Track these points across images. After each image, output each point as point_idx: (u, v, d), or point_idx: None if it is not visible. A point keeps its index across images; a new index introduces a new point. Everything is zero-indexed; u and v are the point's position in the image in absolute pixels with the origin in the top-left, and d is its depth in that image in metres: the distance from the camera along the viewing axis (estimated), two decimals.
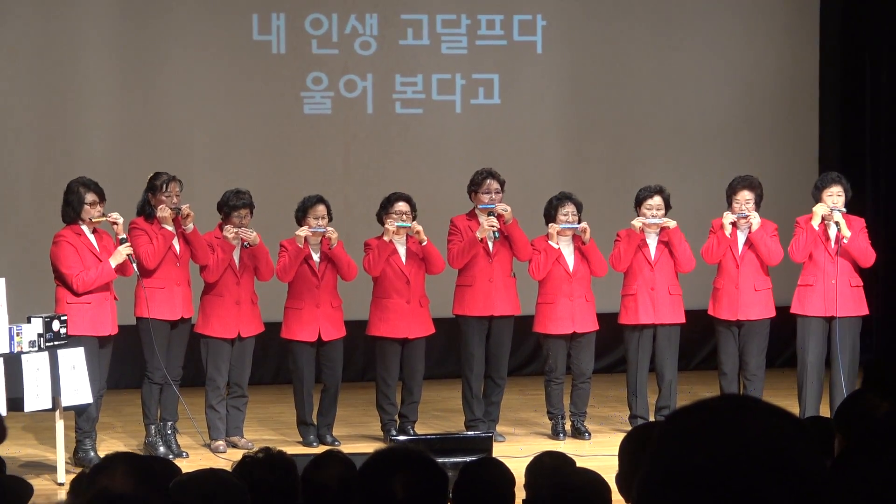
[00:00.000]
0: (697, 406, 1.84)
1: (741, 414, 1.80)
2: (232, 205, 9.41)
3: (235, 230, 9.34)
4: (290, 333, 9.59)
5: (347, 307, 9.81)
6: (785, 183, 12.48)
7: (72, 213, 8.89)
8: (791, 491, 1.74)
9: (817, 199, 9.65)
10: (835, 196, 9.58)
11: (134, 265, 8.97)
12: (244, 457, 4.24)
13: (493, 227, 9.62)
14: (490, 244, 9.75)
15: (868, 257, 9.65)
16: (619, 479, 3.74)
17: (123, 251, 8.89)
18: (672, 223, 9.72)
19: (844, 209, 9.59)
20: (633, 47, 12.81)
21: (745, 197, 9.72)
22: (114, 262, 8.86)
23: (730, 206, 9.76)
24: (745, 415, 1.80)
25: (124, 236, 8.94)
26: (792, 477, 1.75)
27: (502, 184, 9.84)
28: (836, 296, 9.51)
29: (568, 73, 12.75)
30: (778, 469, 1.74)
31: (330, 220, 9.56)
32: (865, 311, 9.71)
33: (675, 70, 12.87)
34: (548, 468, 4.85)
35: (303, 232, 9.45)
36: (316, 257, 9.57)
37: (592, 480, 4.25)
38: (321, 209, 9.52)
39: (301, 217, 9.54)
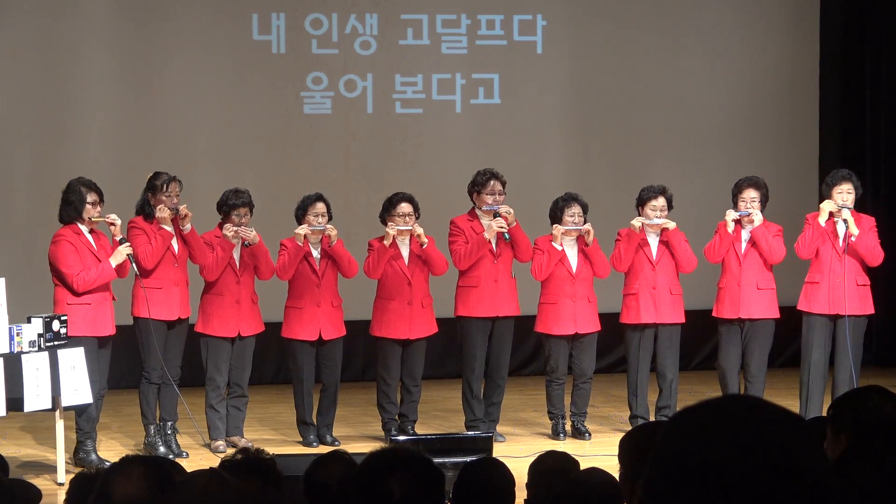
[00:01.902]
0: (702, 406, 1.84)
1: (746, 414, 1.80)
2: (231, 203, 9.42)
3: (235, 228, 9.34)
4: (291, 332, 9.59)
5: (347, 307, 9.81)
6: (785, 182, 12.48)
7: (72, 212, 8.87)
8: (796, 492, 1.74)
9: (827, 195, 9.62)
10: (844, 193, 9.54)
11: (133, 265, 8.97)
12: (222, 461, 4.21)
13: (502, 228, 9.62)
14: (494, 245, 9.74)
15: (876, 256, 9.62)
16: (621, 479, 3.74)
17: (123, 251, 8.88)
18: (672, 224, 9.71)
19: (852, 207, 9.56)
20: (633, 47, 12.81)
21: (751, 195, 9.72)
22: (114, 261, 8.86)
23: (735, 206, 9.77)
24: (750, 415, 1.80)
25: (123, 237, 8.94)
26: (797, 478, 1.75)
27: (504, 185, 9.84)
28: (842, 294, 9.49)
29: (568, 73, 12.75)
30: (782, 470, 1.74)
31: (330, 218, 9.57)
32: (871, 311, 9.70)
33: (676, 70, 12.87)
34: (550, 468, 4.85)
35: (302, 230, 9.46)
36: (316, 254, 9.57)
37: (605, 481, 4.25)
38: (321, 207, 9.52)
39: (301, 215, 9.55)
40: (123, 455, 3.71)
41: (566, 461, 4.95)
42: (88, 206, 8.86)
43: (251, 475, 4.06)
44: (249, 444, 9.28)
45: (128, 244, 8.92)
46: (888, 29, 13.05)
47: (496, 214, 9.67)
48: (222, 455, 9.19)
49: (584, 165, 12.68)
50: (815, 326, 9.64)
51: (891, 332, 13.07)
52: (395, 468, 3.26)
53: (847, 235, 9.51)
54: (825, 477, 1.77)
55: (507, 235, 9.65)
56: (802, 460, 1.75)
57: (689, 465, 1.76)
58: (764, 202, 9.76)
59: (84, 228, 8.90)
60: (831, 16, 13.16)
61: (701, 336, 11.57)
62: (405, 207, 9.58)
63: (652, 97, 12.83)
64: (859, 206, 9.85)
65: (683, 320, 9.87)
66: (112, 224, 8.91)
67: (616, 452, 3.74)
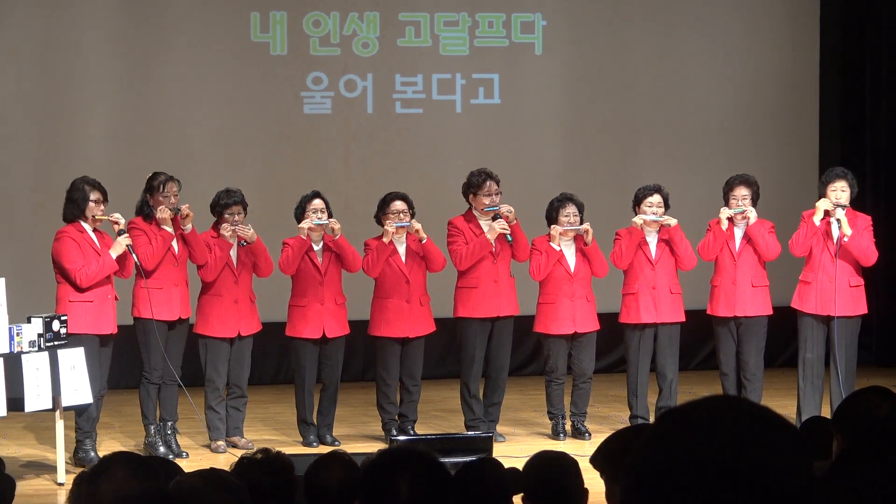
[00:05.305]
0: (680, 409, 1.84)
1: (717, 418, 1.79)
2: (224, 203, 9.42)
3: (233, 227, 9.35)
4: (295, 331, 9.58)
5: (348, 306, 9.80)
6: (785, 182, 12.49)
7: (76, 210, 8.90)
8: (761, 497, 1.73)
9: (822, 193, 9.61)
10: (839, 191, 9.53)
11: (134, 256, 8.98)
12: (242, 458, 4.24)
13: (505, 230, 9.61)
14: (493, 246, 9.74)
15: (869, 257, 9.60)
16: (607, 487, 3.77)
17: (123, 242, 8.90)
18: (673, 221, 9.72)
19: (847, 205, 9.54)
20: (633, 47, 12.81)
21: (742, 193, 9.74)
22: (114, 252, 8.87)
23: (727, 204, 9.78)
24: (721, 419, 1.79)
25: (122, 228, 8.93)
26: (763, 483, 1.74)
27: (499, 183, 9.83)
28: (834, 295, 9.49)
29: (568, 73, 12.75)
30: (748, 475, 1.73)
31: (329, 214, 9.57)
32: (864, 311, 9.67)
33: (676, 70, 12.87)
34: (546, 465, 4.85)
35: (305, 224, 9.46)
36: (317, 248, 9.55)
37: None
38: (318, 203, 9.53)
39: (300, 214, 9.55)
40: (104, 455, 3.71)
41: (561, 458, 4.95)
42: (91, 205, 8.88)
43: (267, 476, 4.07)
44: (250, 443, 9.29)
45: (126, 235, 8.94)
46: (888, 29, 13.05)
47: (496, 215, 9.66)
48: (222, 455, 9.21)
49: (583, 165, 12.68)
50: (807, 326, 9.63)
51: (891, 332, 13.07)
52: (404, 468, 3.26)
53: (840, 236, 9.49)
54: (800, 484, 1.76)
55: (509, 238, 9.65)
56: (777, 466, 1.75)
57: (663, 469, 1.76)
58: (755, 200, 9.77)
59: (87, 226, 8.91)
60: (831, 16, 13.16)
61: (700, 336, 11.56)
62: (399, 205, 9.59)
63: (652, 97, 12.83)
64: (858, 205, 9.84)
65: (684, 319, 9.87)
66: (115, 223, 8.93)
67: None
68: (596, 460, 3.79)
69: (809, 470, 1.80)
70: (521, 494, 4.50)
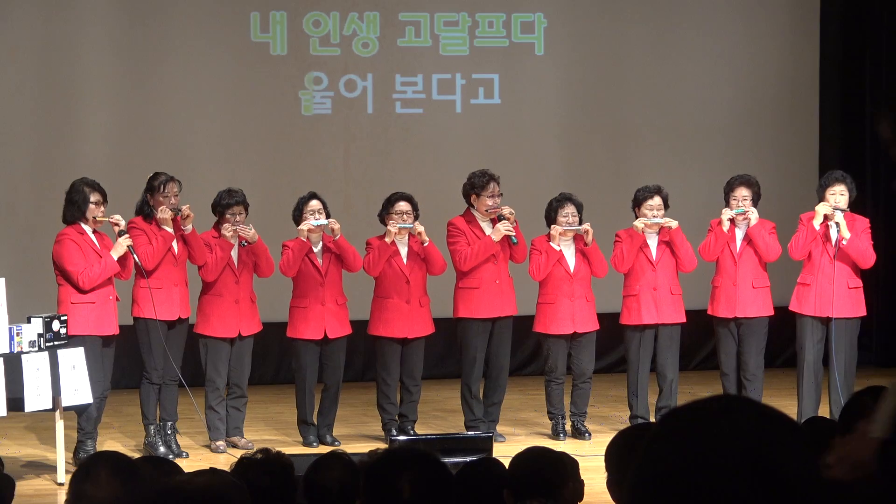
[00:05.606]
0: (687, 408, 1.84)
1: (727, 417, 1.80)
2: (225, 203, 9.43)
3: (234, 228, 9.35)
4: (296, 332, 9.58)
5: (349, 306, 9.80)
6: (785, 183, 12.49)
7: (76, 211, 8.90)
8: (774, 495, 1.73)
9: (821, 197, 9.61)
10: (837, 195, 9.53)
11: (135, 256, 8.98)
12: (242, 458, 4.24)
13: (510, 231, 9.61)
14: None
15: (867, 259, 9.60)
16: (609, 485, 3.77)
17: (124, 242, 8.91)
18: (674, 223, 9.72)
19: (846, 209, 9.55)
20: (633, 47, 12.81)
21: (743, 194, 9.74)
22: (115, 253, 8.88)
23: (728, 204, 9.78)
24: (732, 417, 1.79)
25: (123, 229, 8.94)
26: (775, 481, 1.74)
27: (499, 184, 9.83)
28: (833, 298, 9.49)
29: (568, 73, 12.75)
30: (760, 473, 1.73)
31: (328, 215, 9.57)
32: (863, 313, 9.67)
33: (676, 70, 12.87)
34: (533, 459, 4.86)
35: (304, 226, 9.46)
36: (317, 249, 9.56)
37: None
38: (315, 204, 9.53)
39: (298, 216, 9.56)
40: (87, 456, 3.72)
41: (546, 454, 4.95)
42: (92, 206, 8.88)
43: (267, 476, 4.07)
44: (250, 443, 9.29)
45: (127, 236, 8.95)
46: (888, 29, 13.05)
47: (500, 217, 9.66)
48: (222, 455, 9.21)
49: (583, 166, 12.67)
50: (806, 328, 9.64)
51: (891, 332, 13.08)
52: (406, 468, 3.27)
53: (839, 239, 9.49)
54: (808, 482, 1.76)
55: (514, 239, 9.64)
56: (784, 464, 1.75)
57: (671, 468, 1.76)
58: (756, 200, 9.77)
59: (87, 228, 8.92)
60: (831, 16, 13.17)
61: (700, 336, 11.57)
62: (403, 206, 9.59)
63: (652, 98, 12.83)
64: (857, 207, 9.84)
65: (684, 320, 9.88)
66: (116, 224, 8.93)
67: None
68: (606, 459, 3.80)
69: (817, 468, 1.80)
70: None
